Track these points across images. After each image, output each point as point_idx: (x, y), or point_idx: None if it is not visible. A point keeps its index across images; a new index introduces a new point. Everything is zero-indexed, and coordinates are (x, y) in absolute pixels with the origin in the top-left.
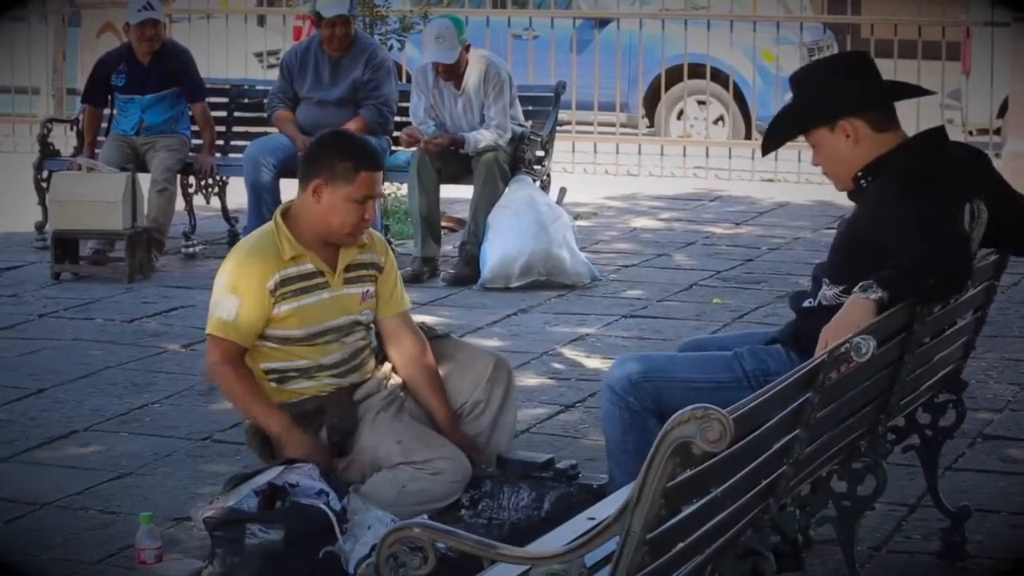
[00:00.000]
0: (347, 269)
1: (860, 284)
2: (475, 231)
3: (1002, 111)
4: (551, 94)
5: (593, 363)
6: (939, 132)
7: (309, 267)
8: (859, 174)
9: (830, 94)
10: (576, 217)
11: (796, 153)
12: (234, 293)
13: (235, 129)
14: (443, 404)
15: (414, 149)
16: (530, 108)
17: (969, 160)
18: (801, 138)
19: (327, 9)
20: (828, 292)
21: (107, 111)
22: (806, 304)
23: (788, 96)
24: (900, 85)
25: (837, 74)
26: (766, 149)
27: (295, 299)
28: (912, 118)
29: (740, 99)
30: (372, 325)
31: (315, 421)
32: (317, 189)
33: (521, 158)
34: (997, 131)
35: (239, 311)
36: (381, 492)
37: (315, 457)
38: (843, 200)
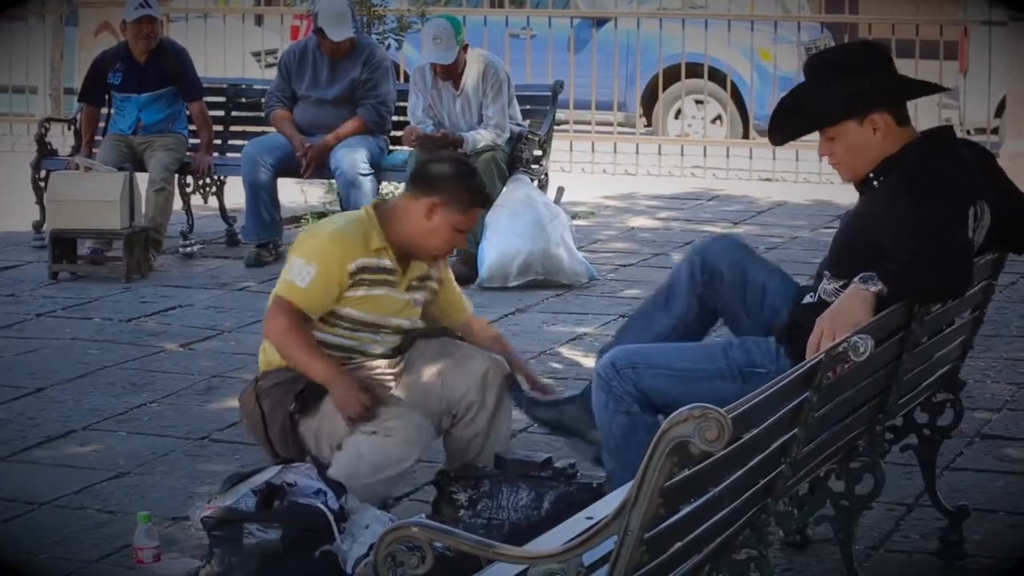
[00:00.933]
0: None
1: (861, 275)
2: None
3: (999, 110)
4: (549, 93)
5: (591, 362)
6: (948, 131)
7: (387, 263)
8: (870, 174)
9: (860, 85)
10: (574, 216)
11: (794, 152)
12: (313, 263)
13: (233, 128)
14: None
15: (412, 149)
16: (528, 107)
17: (975, 160)
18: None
19: (334, 33)
20: (828, 286)
21: (105, 110)
22: (807, 300)
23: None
24: (916, 80)
25: (862, 65)
26: (780, 140)
27: (369, 287)
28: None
29: (738, 98)
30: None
31: (291, 389)
32: (433, 208)
33: (519, 157)
34: (995, 130)
35: (313, 281)
36: (345, 468)
37: (357, 397)
38: (841, 199)
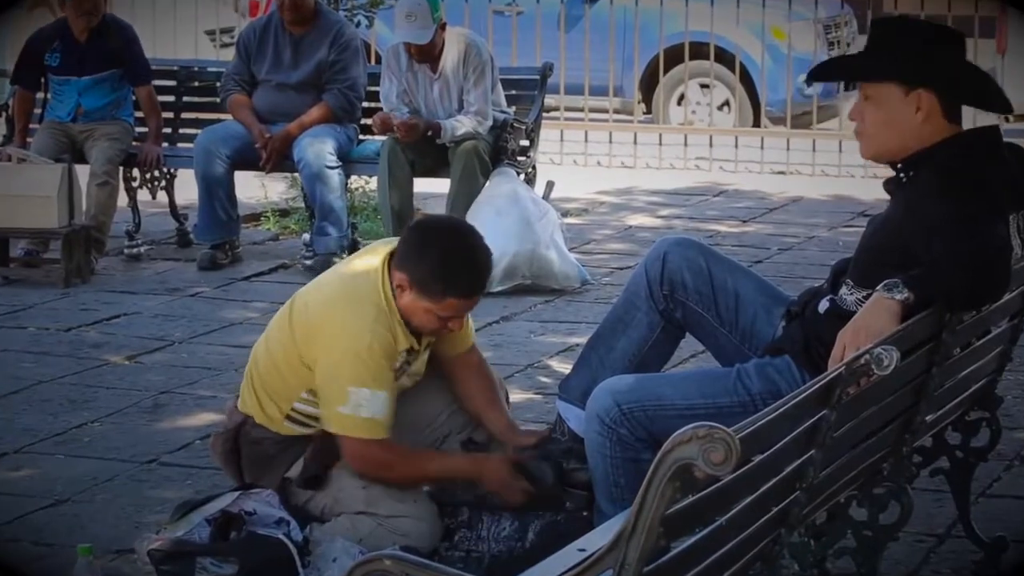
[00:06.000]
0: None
1: (885, 283)
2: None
3: None
4: (537, 77)
5: None
6: (993, 132)
7: (407, 345)
8: (899, 165)
9: (929, 55)
10: (565, 214)
11: (810, 142)
12: (379, 389)
13: (184, 116)
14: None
15: (385, 138)
16: (513, 93)
17: (1019, 166)
18: (815, 125)
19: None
20: (849, 297)
21: (41, 95)
22: (822, 306)
23: (803, 77)
24: (989, 84)
25: (944, 40)
26: (812, 79)
27: (397, 378)
28: None
29: (747, 82)
30: None
31: (299, 449)
32: (401, 284)
33: (503, 148)
34: None
35: (386, 405)
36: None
37: (516, 487)
38: (863, 194)
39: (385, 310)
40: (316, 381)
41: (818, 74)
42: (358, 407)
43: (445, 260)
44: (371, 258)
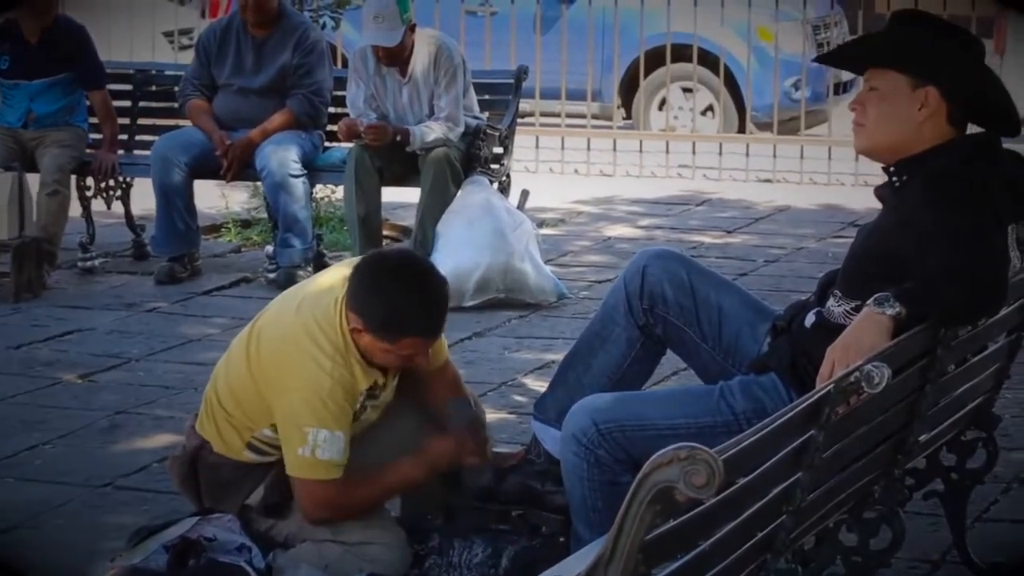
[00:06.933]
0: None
1: (875, 296)
2: (422, 241)
3: None
4: (511, 81)
5: None
6: (992, 139)
7: (368, 384)
8: (891, 169)
9: (943, 53)
10: (540, 224)
11: (798, 149)
12: (338, 430)
13: (141, 121)
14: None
15: (352, 145)
16: (487, 97)
17: (1020, 177)
18: (803, 131)
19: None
20: (837, 308)
21: None
22: (809, 320)
23: (791, 80)
24: (993, 96)
25: (961, 42)
26: (819, 59)
27: (359, 415)
28: None
29: (732, 86)
30: None
31: (259, 475)
32: (355, 327)
33: (476, 155)
34: None
35: (345, 444)
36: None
37: (466, 443)
38: (853, 203)
39: (342, 349)
40: (276, 420)
41: (828, 58)
42: (316, 448)
43: (395, 304)
44: (331, 285)
